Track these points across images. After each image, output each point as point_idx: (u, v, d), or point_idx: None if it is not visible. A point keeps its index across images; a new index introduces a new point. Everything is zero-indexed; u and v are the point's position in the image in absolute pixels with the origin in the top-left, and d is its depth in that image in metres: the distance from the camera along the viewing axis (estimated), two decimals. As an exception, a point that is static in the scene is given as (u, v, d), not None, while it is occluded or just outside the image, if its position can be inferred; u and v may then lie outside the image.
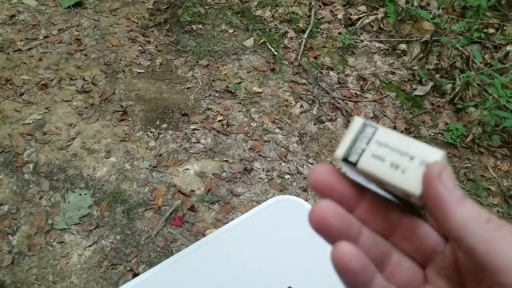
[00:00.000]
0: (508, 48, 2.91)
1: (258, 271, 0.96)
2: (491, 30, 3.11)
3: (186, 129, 2.49)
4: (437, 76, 2.89)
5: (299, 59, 2.96)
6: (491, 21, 3.16)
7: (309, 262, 0.89)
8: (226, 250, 0.96)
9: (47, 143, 2.29)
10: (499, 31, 3.09)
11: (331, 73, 2.93)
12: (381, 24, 3.20)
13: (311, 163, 2.41)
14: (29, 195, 2.09)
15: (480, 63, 2.86)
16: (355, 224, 0.27)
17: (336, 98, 2.77)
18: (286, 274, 0.88)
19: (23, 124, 2.35)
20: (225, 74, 2.83)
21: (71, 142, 2.32)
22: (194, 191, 2.23)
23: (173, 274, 0.91)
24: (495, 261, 0.23)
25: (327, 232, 0.26)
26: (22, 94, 2.48)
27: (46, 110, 2.43)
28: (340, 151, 0.27)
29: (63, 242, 1.96)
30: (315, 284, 0.86)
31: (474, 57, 2.79)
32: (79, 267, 1.90)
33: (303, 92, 2.78)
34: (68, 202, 2.08)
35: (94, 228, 2.02)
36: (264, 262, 0.92)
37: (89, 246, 1.97)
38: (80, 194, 2.12)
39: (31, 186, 2.12)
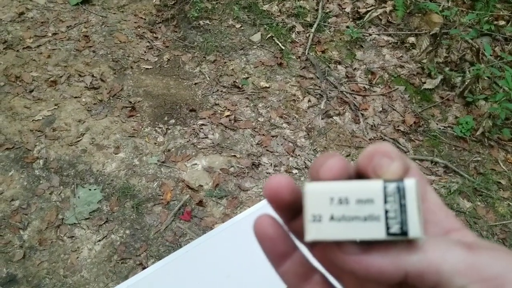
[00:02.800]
0: (519, 40, 2.88)
1: (264, 263, 0.96)
2: (502, 22, 3.07)
3: (194, 124, 2.49)
4: (447, 69, 2.87)
5: (306, 53, 2.95)
6: (501, 13, 3.12)
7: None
8: (233, 244, 0.96)
9: (56, 139, 2.31)
10: (510, 23, 3.05)
11: (339, 67, 2.92)
12: (389, 17, 3.18)
13: (319, 158, 2.41)
14: (39, 190, 2.11)
15: (490, 55, 2.83)
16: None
17: (344, 92, 2.76)
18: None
19: (32, 120, 2.37)
20: (233, 69, 2.83)
21: (81, 138, 2.34)
22: (202, 186, 2.24)
23: (180, 266, 0.92)
24: (440, 271, 0.23)
25: (279, 204, 0.27)
26: (31, 91, 2.50)
27: (56, 107, 2.45)
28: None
29: (73, 236, 1.98)
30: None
31: (484, 50, 2.76)
32: (89, 261, 1.92)
33: (311, 87, 2.78)
34: (78, 197, 2.10)
35: (103, 223, 2.04)
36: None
37: (99, 240, 1.98)
38: (90, 189, 2.14)
39: (41, 181, 2.15)
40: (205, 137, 2.45)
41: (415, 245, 0.23)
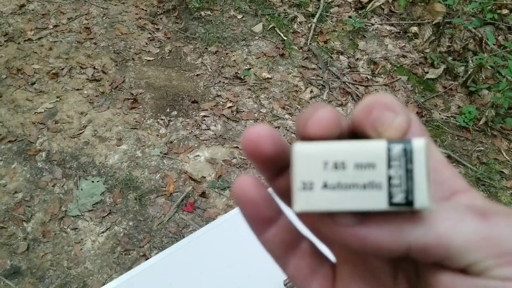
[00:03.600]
0: (522, 29, 2.86)
1: (265, 254, 0.96)
2: (505, 11, 3.05)
3: (196, 116, 2.49)
4: (449, 58, 2.85)
5: (308, 44, 2.94)
6: (504, 2, 3.10)
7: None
8: (235, 234, 0.96)
9: (59, 132, 2.31)
10: (513, 11, 3.03)
11: (341, 57, 2.91)
12: (392, 7, 3.16)
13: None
14: (42, 183, 2.11)
15: (494, 44, 2.81)
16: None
17: (346, 83, 2.75)
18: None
19: (35, 113, 2.37)
20: (234, 60, 2.82)
21: (83, 130, 2.34)
22: (205, 177, 2.24)
23: (183, 257, 0.92)
24: (450, 246, 0.20)
25: (257, 156, 0.23)
26: (33, 84, 2.50)
27: (58, 99, 2.45)
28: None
29: (76, 228, 1.99)
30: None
31: (487, 39, 2.74)
32: (93, 253, 1.92)
33: (313, 77, 2.77)
34: (81, 189, 2.11)
35: (107, 215, 2.04)
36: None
37: (103, 232, 1.99)
38: (93, 182, 2.14)
39: (44, 174, 2.15)
40: (208, 129, 2.45)
41: (420, 216, 0.20)
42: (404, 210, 0.20)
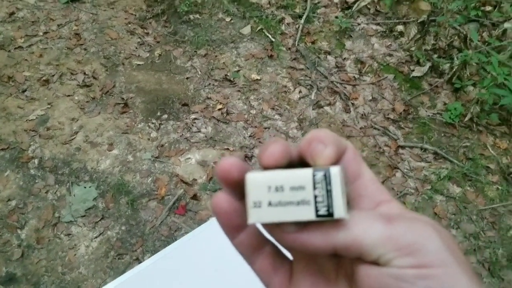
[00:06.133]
0: (506, 25, 2.90)
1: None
2: (488, 8, 3.09)
3: (186, 119, 2.52)
4: (435, 56, 2.90)
5: (296, 44, 2.98)
6: (488, -1, 3.14)
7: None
8: (222, 236, 1.00)
9: (51, 138, 2.34)
10: (496, 8, 3.07)
11: (329, 57, 2.95)
12: (377, 6, 3.20)
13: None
14: (35, 189, 2.14)
15: (478, 41, 2.86)
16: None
17: (334, 82, 2.79)
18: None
19: (26, 120, 2.40)
20: (224, 62, 2.85)
21: (74, 136, 2.37)
22: (196, 179, 2.27)
23: (171, 260, 0.95)
24: (362, 244, 0.26)
25: (229, 182, 0.29)
26: (24, 91, 2.53)
27: (49, 106, 2.48)
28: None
29: (70, 234, 2.02)
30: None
31: (472, 36, 2.79)
32: (86, 258, 1.96)
33: (302, 78, 2.81)
34: (74, 195, 2.14)
35: (99, 220, 2.08)
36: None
37: (96, 237, 2.03)
38: (85, 187, 2.17)
39: (37, 181, 2.18)
40: (198, 131, 2.48)
41: (342, 223, 0.27)
42: (328, 220, 0.27)
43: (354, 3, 3.21)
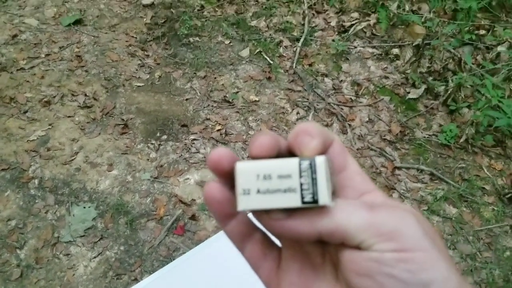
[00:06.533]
0: (499, 48, 2.97)
1: (250, 275, 1.01)
2: (482, 32, 3.16)
3: (185, 139, 2.56)
4: (430, 78, 2.95)
5: (294, 67, 3.03)
6: (482, 23, 3.21)
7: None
8: (221, 255, 1.02)
9: (51, 159, 2.37)
10: (490, 32, 3.14)
11: (326, 79, 3.00)
12: (373, 30, 3.27)
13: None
14: (35, 209, 2.16)
15: (473, 64, 2.91)
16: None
17: (331, 104, 2.83)
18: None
19: (27, 141, 2.43)
20: (223, 84, 2.90)
21: (74, 156, 2.39)
22: (195, 200, 2.29)
23: (170, 279, 0.97)
24: (346, 230, 0.28)
25: (220, 172, 0.30)
26: (26, 112, 2.56)
27: (50, 126, 2.51)
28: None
29: (69, 254, 2.03)
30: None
31: (466, 59, 2.84)
32: (85, 278, 1.97)
33: (299, 99, 2.85)
34: (73, 215, 2.16)
35: (98, 240, 2.09)
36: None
37: (94, 257, 2.04)
38: (84, 207, 2.19)
39: (37, 201, 2.20)
40: (197, 152, 2.51)
41: (327, 210, 0.28)
42: (314, 206, 0.29)
43: (350, 26, 3.27)
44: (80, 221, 2.14)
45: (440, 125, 2.77)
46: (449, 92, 2.79)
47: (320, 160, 0.28)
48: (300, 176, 0.28)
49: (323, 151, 0.30)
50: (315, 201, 0.28)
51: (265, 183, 0.29)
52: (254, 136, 0.30)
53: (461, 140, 2.65)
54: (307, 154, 0.29)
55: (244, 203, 0.29)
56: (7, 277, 1.93)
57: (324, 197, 0.28)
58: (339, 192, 0.32)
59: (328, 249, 0.32)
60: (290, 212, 0.29)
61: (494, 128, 2.64)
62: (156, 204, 2.25)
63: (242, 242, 0.34)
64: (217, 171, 0.30)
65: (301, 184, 0.28)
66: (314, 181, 0.28)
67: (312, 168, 0.28)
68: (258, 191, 0.29)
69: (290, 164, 0.29)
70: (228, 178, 0.31)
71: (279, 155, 0.30)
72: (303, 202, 0.28)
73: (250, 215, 0.33)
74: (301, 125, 0.30)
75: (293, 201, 0.28)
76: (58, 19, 3.15)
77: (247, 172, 0.29)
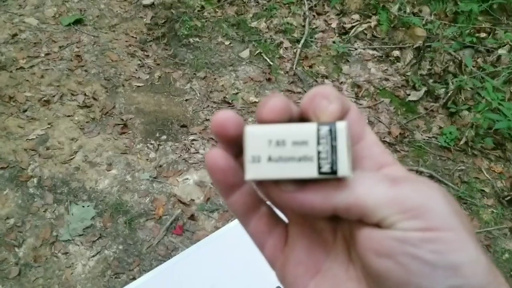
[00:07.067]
0: (500, 51, 2.97)
1: (247, 274, 1.01)
2: (483, 35, 3.17)
3: (185, 140, 2.55)
4: (430, 81, 2.95)
5: (294, 68, 3.03)
6: (483, 26, 3.22)
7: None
8: (219, 253, 1.02)
9: (50, 158, 2.36)
10: (491, 35, 3.15)
11: (326, 81, 3.00)
12: (374, 32, 3.27)
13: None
14: (34, 208, 2.15)
15: (473, 67, 2.92)
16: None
17: (331, 106, 2.83)
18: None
19: (26, 139, 2.42)
20: (222, 85, 2.90)
21: (74, 156, 2.39)
22: (194, 200, 2.29)
23: (168, 277, 0.97)
24: (365, 205, 0.25)
25: (225, 136, 0.27)
26: (25, 111, 2.56)
27: (49, 126, 2.51)
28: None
29: (67, 253, 2.02)
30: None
31: (466, 62, 2.85)
32: (83, 276, 1.96)
33: (299, 101, 2.83)
34: (72, 214, 2.15)
35: (97, 239, 2.08)
36: (253, 264, 0.97)
37: (93, 256, 2.03)
38: (83, 206, 2.18)
39: (35, 199, 2.19)
40: (196, 152, 2.51)
41: (345, 183, 0.25)
42: (331, 178, 0.25)
43: (351, 28, 3.28)
44: (79, 220, 2.13)
45: (440, 128, 2.77)
46: (449, 94, 2.79)
47: (341, 126, 0.25)
48: (318, 143, 0.25)
49: (341, 118, 0.27)
50: (333, 171, 0.25)
51: (277, 150, 0.26)
52: (264, 99, 0.27)
53: (461, 142, 2.65)
54: (324, 119, 0.26)
55: (253, 172, 0.26)
56: (5, 275, 1.92)
57: (344, 168, 0.25)
58: (356, 164, 0.28)
59: (341, 226, 0.30)
60: (302, 183, 0.26)
61: (494, 131, 2.64)
62: (155, 204, 2.24)
63: (246, 216, 0.31)
64: (221, 136, 0.27)
65: (319, 152, 0.25)
66: (333, 149, 0.25)
67: (332, 134, 0.25)
68: (270, 159, 0.26)
69: (307, 129, 0.26)
70: (232, 144, 0.28)
71: (290, 121, 0.27)
72: (320, 173, 0.25)
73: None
74: (316, 88, 0.27)
75: (309, 171, 0.25)
76: (58, 19, 3.15)
77: (258, 137, 0.26)
